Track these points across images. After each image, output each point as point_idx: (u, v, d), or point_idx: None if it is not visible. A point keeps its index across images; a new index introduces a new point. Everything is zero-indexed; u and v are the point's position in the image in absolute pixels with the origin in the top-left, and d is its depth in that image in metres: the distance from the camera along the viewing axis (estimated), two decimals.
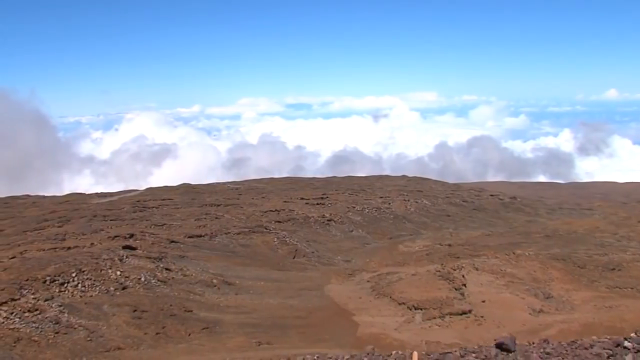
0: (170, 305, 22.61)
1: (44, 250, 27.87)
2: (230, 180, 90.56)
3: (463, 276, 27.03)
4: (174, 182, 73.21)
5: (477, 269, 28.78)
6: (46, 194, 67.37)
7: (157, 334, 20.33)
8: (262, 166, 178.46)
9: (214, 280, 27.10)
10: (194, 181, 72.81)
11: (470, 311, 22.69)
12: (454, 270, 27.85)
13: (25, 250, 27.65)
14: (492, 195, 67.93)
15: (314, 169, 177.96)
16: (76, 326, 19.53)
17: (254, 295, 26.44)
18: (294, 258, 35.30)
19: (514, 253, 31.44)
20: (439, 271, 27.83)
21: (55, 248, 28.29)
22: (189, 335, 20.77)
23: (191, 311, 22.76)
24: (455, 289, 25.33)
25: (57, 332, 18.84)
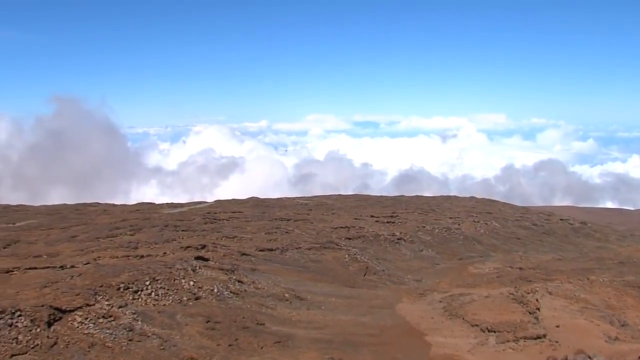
0: (243, 318, 22.31)
1: (117, 257, 28.00)
2: (296, 195, 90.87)
3: (537, 300, 26.02)
4: (239, 195, 73.76)
5: (550, 294, 27.78)
6: (115, 202, 68.41)
7: (229, 345, 20.03)
8: (328, 183, 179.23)
9: (286, 295, 26.72)
10: (259, 195, 73.12)
11: (544, 336, 21.79)
12: (528, 293, 26.95)
13: (99, 257, 27.83)
14: (561, 220, 66.37)
15: (380, 188, 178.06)
16: (149, 334, 19.39)
17: (325, 311, 25.96)
18: (364, 275, 34.76)
19: (587, 279, 30.22)
20: (512, 294, 26.92)
21: (128, 256, 28.39)
22: (261, 348, 20.38)
23: (263, 324, 22.40)
24: (529, 313, 24.40)
25: (130, 340, 18.71)
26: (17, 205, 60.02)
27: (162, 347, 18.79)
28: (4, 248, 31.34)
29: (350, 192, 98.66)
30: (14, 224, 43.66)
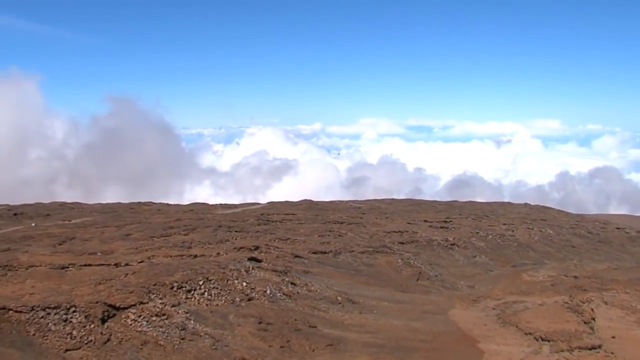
0: (295, 320, 22.15)
1: (171, 256, 28.12)
2: (348, 198, 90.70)
3: (592, 310, 25.32)
4: (292, 197, 73.82)
5: (606, 303, 27.00)
6: (169, 202, 69.12)
7: (281, 347, 19.87)
8: (381, 186, 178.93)
9: (338, 298, 26.51)
10: (312, 198, 73.05)
11: (600, 346, 21.11)
12: (583, 303, 26.29)
13: (153, 256, 27.97)
14: (617, 228, 64.90)
15: (433, 192, 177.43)
16: (202, 334, 19.37)
17: (377, 315, 25.67)
18: (417, 280, 34.32)
19: None
20: (567, 303, 26.31)
21: (182, 255, 28.50)
22: (313, 351, 20.18)
23: (315, 327, 22.21)
24: (584, 323, 23.73)
25: (182, 338, 18.72)
26: (72, 203, 61.07)
27: (214, 347, 18.75)
28: (60, 244, 31.76)
29: (402, 197, 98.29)
30: (69, 221, 44.32)
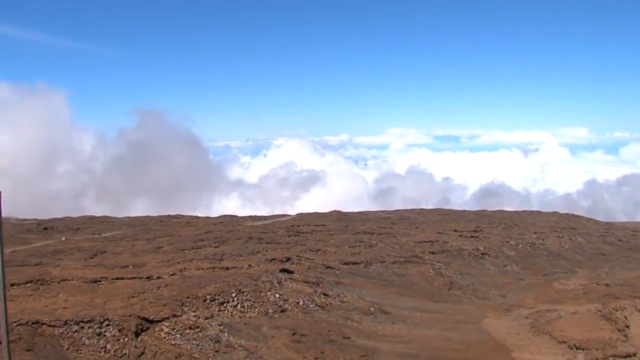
0: (329, 331, 21.98)
1: (202, 269, 28.09)
2: (376, 209, 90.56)
3: (625, 317, 25.16)
4: (320, 208, 73.78)
5: (639, 311, 26.69)
6: (198, 215, 69.32)
7: (315, 358, 19.67)
8: (409, 197, 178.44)
9: (371, 308, 26.28)
10: (340, 209, 72.96)
11: (634, 354, 20.99)
12: (616, 310, 25.99)
13: (185, 268, 27.95)
14: None
15: (461, 202, 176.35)
16: (236, 346, 19.25)
17: (410, 325, 25.42)
18: (449, 290, 34.00)
19: None
20: (600, 311, 26.05)
21: (213, 268, 28.44)
22: None
23: (349, 338, 22.03)
24: (618, 330, 23.57)
25: (217, 351, 18.62)
26: (101, 217, 61.60)
27: (248, 359, 18.60)
28: (91, 258, 31.90)
29: (430, 207, 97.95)
30: (99, 234, 44.60)
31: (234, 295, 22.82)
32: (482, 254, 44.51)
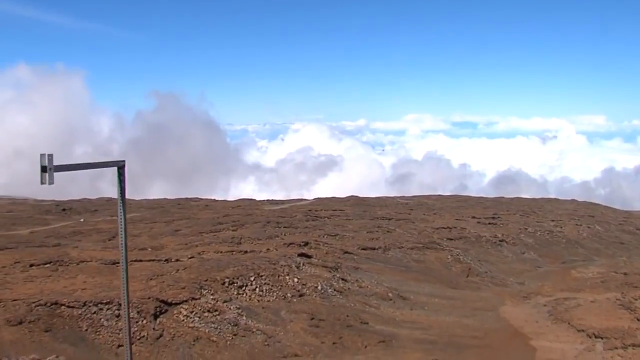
0: (347, 316, 21.89)
1: (221, 252, 28.04)
2: (393, 194, 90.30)
3: None
4: (337, 193, 73.66)
5: None
6: (216, 198, 69.44)
7: (333, 343, 19.64)
8: (426, 183, 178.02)
9: (389, 294, 26.17)
10: (357, 194, 72.81)
11: None
12: (635, 299, 25.55)
13: (203, 251, 27.92)
14: None
15: (478, 188, 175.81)
16: (254, 330, 19.21)
17: (429, 312, 25.30)
18: (467, 277, 33.87)
19: None
20: (619, 300, 25.54)
21: (232, 251, 28.38)
22: (365, 347, 19.92)
23: (367, 323, 21.93)
24: (638, 320, 23.07)
25: (235, 334, 18.59)
26: None
27: (266, 343, 18.60)
28: (109, 240, 31.99)
29: (448, 193, 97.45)
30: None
31: (252, 279, 22.75)
32: (500, 240, 44.42)
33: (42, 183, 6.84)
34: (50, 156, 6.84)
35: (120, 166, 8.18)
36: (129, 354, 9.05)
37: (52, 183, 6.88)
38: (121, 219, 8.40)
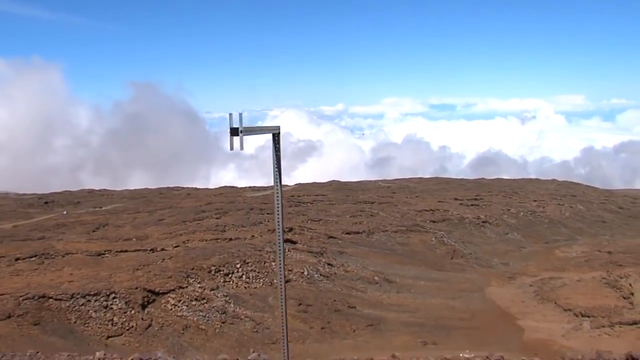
0: (334, 301, 22.06)
1: (206, 240, 28.04)
2: (374, 178, 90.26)
3: (630, 285, 24.95)
4: (317, 179, 73.53)
5: None
6: (197, 186, 69.15)
7: (322, 328, 19.81)
8: (406, 166, 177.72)
9: (375, 278, 26.32)
10: (337, 179, 72.78)
11: None
12: (620, 278, 25.87)
13: (188, 240, 27.91)
14: None
15: (457, 170, 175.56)
16: (242, 317, 19.33)
17: (415, 294, 25.48)
18: (451, 259, 34.05)
19: None
20: (605, 278, 26.03)
21: (217, 239, 28.39)
22: (354, 331, 20.13)
23: (355, 307, 22.12)
24: (623, 298, 23.57)
25: (223, 322, 18.72)
26: (100, 190, 61.43)
27: (255, 330, 18.72)
28: (94, 231, 31.88)
29: (428, 176, 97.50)
30: (100, 207, 44.47)
31: (238, 266, 22.82)
32: (483, 222, 44.53)
33: (231, 149, 6.14)
34: (240, 116, 6.14)
35: (276, 133, 7.74)
36: (285, 351, 8.50)
37: (242, 149, 6.21)
38: (277, 187, 7.71)
